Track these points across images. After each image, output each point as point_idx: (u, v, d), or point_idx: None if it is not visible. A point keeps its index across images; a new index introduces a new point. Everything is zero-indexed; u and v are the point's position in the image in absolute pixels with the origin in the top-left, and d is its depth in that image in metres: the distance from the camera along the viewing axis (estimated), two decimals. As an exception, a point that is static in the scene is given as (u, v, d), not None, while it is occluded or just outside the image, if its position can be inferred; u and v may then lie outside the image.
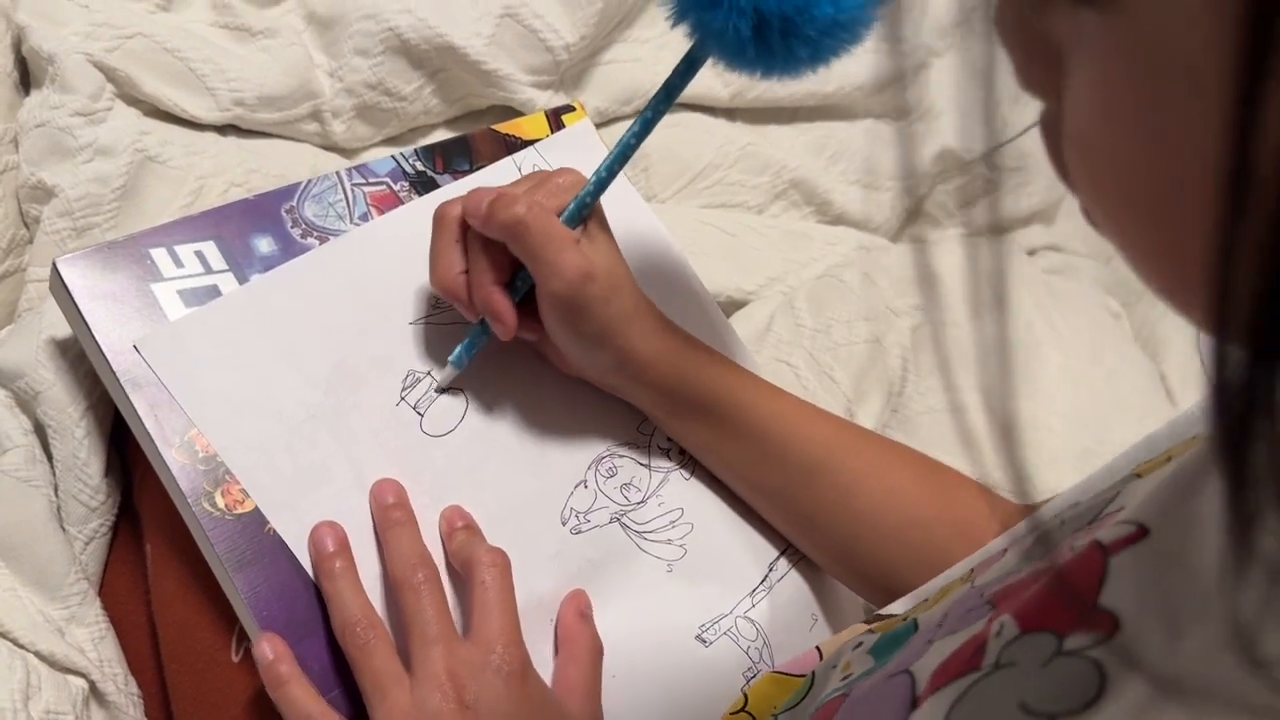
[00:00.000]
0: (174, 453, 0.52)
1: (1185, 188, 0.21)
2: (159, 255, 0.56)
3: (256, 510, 0.52)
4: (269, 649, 0.49)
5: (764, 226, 0.88)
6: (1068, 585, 0.30)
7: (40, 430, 0.56)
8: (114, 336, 0.53)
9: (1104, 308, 0.94)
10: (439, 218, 0.56)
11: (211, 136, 0.73)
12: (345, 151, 0.80)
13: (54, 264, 0.53)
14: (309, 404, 0.55)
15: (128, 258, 0.55)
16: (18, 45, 0.70)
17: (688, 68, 0.56)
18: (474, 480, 0.57)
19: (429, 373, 0.59)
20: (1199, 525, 0.27)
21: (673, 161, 0.88)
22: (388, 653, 0.49)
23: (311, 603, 0.52)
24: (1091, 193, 0.25)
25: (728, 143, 0.89)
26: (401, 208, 0.63)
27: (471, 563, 0.52)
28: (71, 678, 0.54)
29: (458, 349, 0.58)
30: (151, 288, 0.54)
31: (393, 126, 0.81)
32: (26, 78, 0.71)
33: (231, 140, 0.74)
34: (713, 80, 0.89)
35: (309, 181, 0.61)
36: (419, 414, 0.58)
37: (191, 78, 0.72)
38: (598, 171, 0.56)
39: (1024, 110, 0.87)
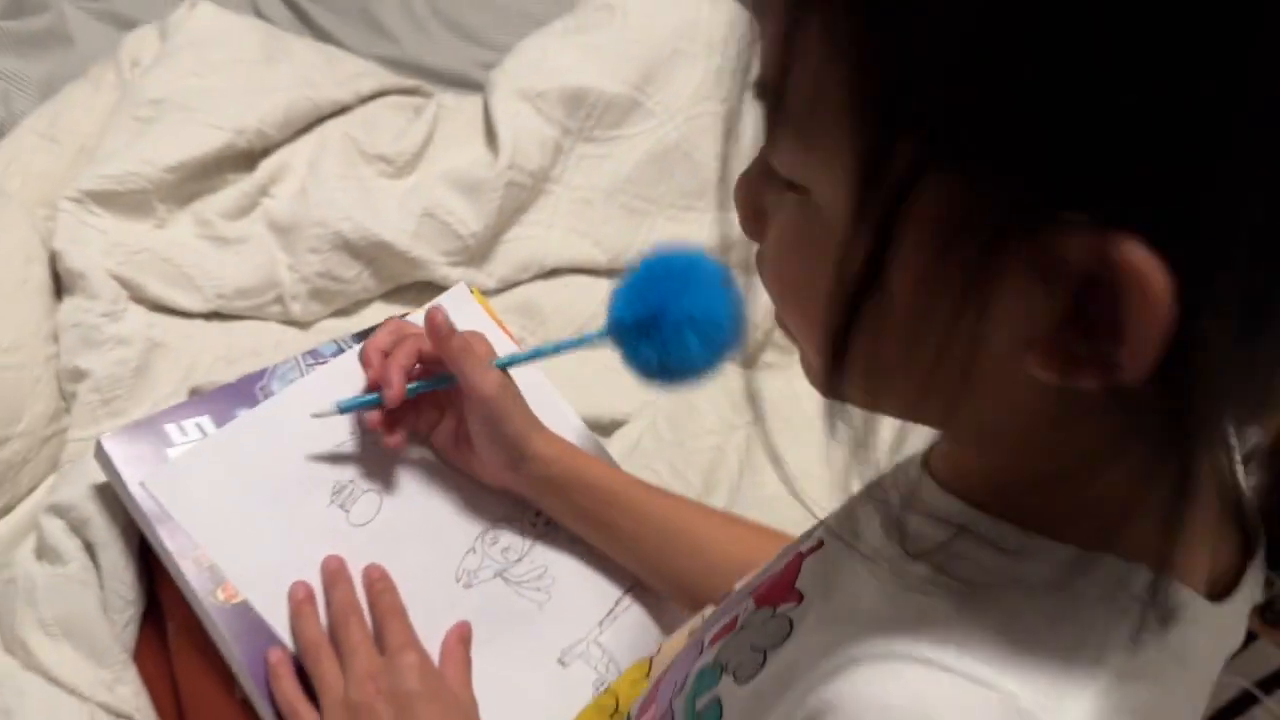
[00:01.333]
0: (188, 564, 0.73)
1: (818, 290, 0.36)
2: (170, 428, 0.77)
3: (245, 600, 0.73)
4: (275, 656, 0.71)
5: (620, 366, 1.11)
6: (783, 577, 0.51)
7: (89, 547, 0.77)
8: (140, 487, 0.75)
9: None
10: (390, 329, 0.80)
11: (200, 324, 0.96)
12: (302, 324, 1.03)
13: (98, 441, 0.75)
14: (270, 515, 0.76)
15: (148, 432, 0.77)
16: (52, 262, 0.93)
17: (599, 338, 0.75)
18: (391, 553, 0.77)
19: (350, 480, 0.80)
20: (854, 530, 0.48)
21: (564, 313, 1.11)
22: (333, 664, 0.70)
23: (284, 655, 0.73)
24: (776, 296, 0.42)
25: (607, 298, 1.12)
26: (322, 368, 0.84)
27: (381, 611, 0.73)
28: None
29: (348, 400, 0.78)
30: (166, 451, 0.77)
31: (339, 302, 1.04)
32: (58, 286, 0.94)
33: (215, 324, 0.97)
34: (593, 249, 1.13)
35: (274, 366, 0.83)
36: (345, 510, 0.79)
37: (183, 279, 0.96)
38: (537, 349, 0.80)
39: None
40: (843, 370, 0.37)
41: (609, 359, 1.14)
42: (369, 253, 1.02)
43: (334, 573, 0.75)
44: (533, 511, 0.85)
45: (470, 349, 0.77)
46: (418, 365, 0.80)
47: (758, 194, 0.41)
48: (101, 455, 0.75)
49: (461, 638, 0.76)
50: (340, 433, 0.81)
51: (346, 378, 0.81)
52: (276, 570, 0.75)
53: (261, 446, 0.79)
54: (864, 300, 0.35)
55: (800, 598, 0.48)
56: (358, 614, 0.73)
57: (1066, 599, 0.38)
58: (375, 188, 1.07)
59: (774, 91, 0.36)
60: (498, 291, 1.12)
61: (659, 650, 0.73)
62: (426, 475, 0.84)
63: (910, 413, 0.40)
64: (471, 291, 0.97)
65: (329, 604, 0.74)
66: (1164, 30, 0.28)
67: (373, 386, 0.79)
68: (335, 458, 0.81)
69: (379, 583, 0.75)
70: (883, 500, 0.45)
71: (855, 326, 0.35)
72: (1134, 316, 0.31)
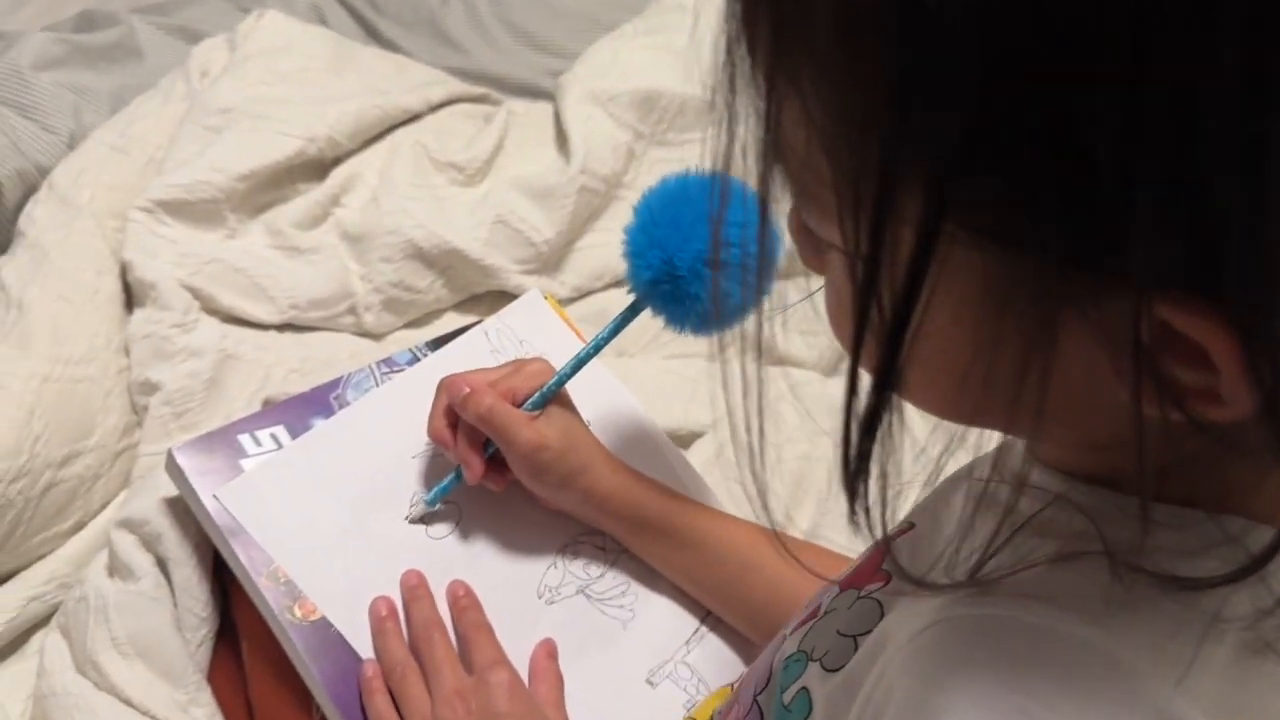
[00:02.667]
0: (263, 580, 0.70)
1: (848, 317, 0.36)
2: (244, 439, 0.75)
3: (324, 617, 0.70)
4: (370, 670, 0.69)
5: (716, 371, 1.08)
6: (869, 561, 0.48)
7: (162, 564, 0.74)
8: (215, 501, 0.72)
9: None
10: (441, 386, 0.75)
11: (273, 335, 0.94)
12: (375, 336, 1.00)
13: (169, 452, 0.73)
14: (345, 526, 0.73)
15: (222, 443, 0.74)
16: (123, 273, 0.92)
17: (632, 313, 0.75)
18: (471, 568, 0.74)
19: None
20: (941, 518, 0.46)
21: (636, 324, 1.08)
22: (419, 683, 0.67)
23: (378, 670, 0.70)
24: (833, 324, 0.41)
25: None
26: (399, 376, 0.82)
27: (466, 626, 0.70)
28: None
29: (433, 491, 0.75)
30: (240, 462, 0.74)
31: (412, 313, 1.02)
32: (129, 297, 0.92)
33: (289, 335, 0.95)
34: (668, 256, 1.10)
35: (349, 375, 0.81)
36: (425, 524, 0.76)
37: (256, 290, 0.94)
38: (561, 371, 0.75)
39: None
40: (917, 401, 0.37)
41: (685, 370, 1.12)
42: (442, 261, 1.00)
43: (414, 588, 0.72)
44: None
45: (495, 416, 0.71)
46: None
47: (807, 233, 0.39)
48: (173, 467, 0.73)
49: (550, 654, 0.73)
50: (417, 443, 0.79)
51: (422, 387, 0.78)
52: (355, 586, 0.72)
53: (337, 458, 0.76)
54: (903, 362, 0.33)
55: (888, 578, 0.45)
56: (442, 630, 0.70)
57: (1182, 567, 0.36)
58: (447, 196, 1.04)
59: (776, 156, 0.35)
60: (571, 300, 1.09)
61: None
62: (506, 492, 0.80)
63: (1005, 429, 0.40)
64: (545, 298, 0.94)
65: (410, 621, 0.71)
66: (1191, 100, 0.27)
67: (453, 458, 0.75)
68: (413, 464, 0.78)
69: (463, 599, 0.72)
70: (977, 479, 0.43)
71: (905, 385, 0.34)
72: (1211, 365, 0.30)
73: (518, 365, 0.76)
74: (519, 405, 0.73)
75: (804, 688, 0.46)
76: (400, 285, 0.99)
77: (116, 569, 0.76)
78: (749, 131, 0.34)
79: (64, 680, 0.72)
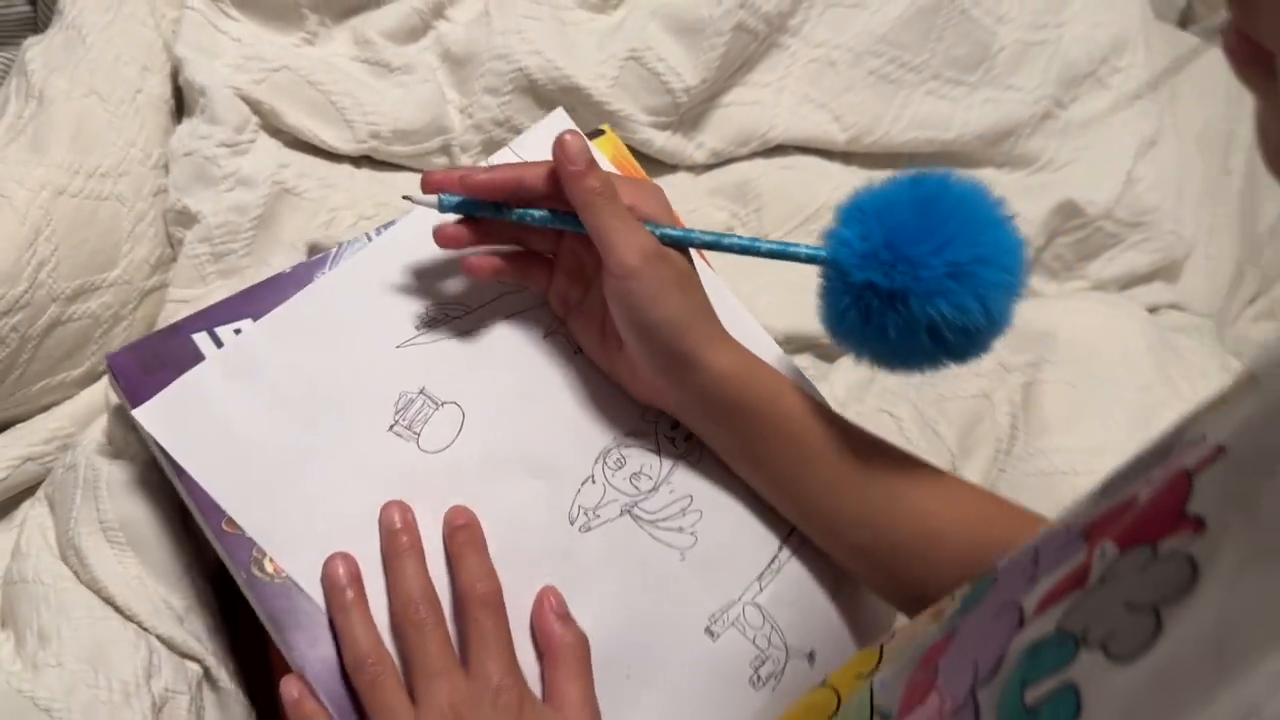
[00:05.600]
0: (224, 525, 0.53)
1: None
2: (200, 339, 0.56)
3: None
4: (293, 689, 0.51)
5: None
6: (1159, 501, 0.33)
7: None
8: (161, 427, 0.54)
9: (1225, 368, 0.92)
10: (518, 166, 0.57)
11: (346, 169, 0.77)
12: (470, 183, 0.83)
13: (106, 358, 0.55)
14: (302, 447, 0.55)
15: (172, 345, 0.56)
16: (175, 75, 0.75)
17: (809, 260, 0.56)
18: (477, 491, 0.57)
19: (420, 390, 0.58)
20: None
21: (786, 202, 0.89)
22: (395, 687, 0.50)
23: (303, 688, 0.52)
24: (1271, 153, 0.30)
25: (842, 186, 0.89)
26: (374, 242, 0.61)
27: (466, 597, 0.53)
28: (188, 662, 0.58)
29: (449, 197, 0.57)
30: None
31: (516, 161, 0.84)
32: (180, 105, 0.76)
33: (365, 172, 0.77)
34: (830, 124, 0.90)
35: (341, 245, 0.61)
36: (415, 433, 0.57)
37: (332, 110, 0.76)
38: (695, 231, 0.56)
39: (1150, 165, 0.86)
40: None
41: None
42: (556, 100, 0.81)
43: (396, 534, 0.54)
44: (668, 422, 0.62)
45: (614, 195, 0.54)
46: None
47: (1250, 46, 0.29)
48: (112, 378, 0.56)
49: (561, 616, 0.55)
50: (406, 322, 0.60)
51: (407, 251, 0.60)
52: (318, 530, 0.54)
53: (292, 354, 0.57)
54: None
55: (1199, 524, 0.31)
56: (430, 605, 0.52)
57: None
58: (573, 21, 0.85)
59: None
60: (706, 168, 0.90)
61: (892, 635, 0.52)
62: (524, 374, 0.61)
63: None
64: (604, 131, 0.71)
65: (391, 587, 0.53)
66: None
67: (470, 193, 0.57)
68: (396, 361, 0.59)
69: (462, 532, 0.54)
70: None
71: None
72: None
73: (636, 180, 0.57)
74: None
75: (1069, 683, 0.32)
76: (505, 125, 0.81)
77: (115, 437, 0.61)
78: None
79: (37, 566, 0.58)
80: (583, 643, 0.54)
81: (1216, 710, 0.26)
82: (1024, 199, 0.92)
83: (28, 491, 0.66)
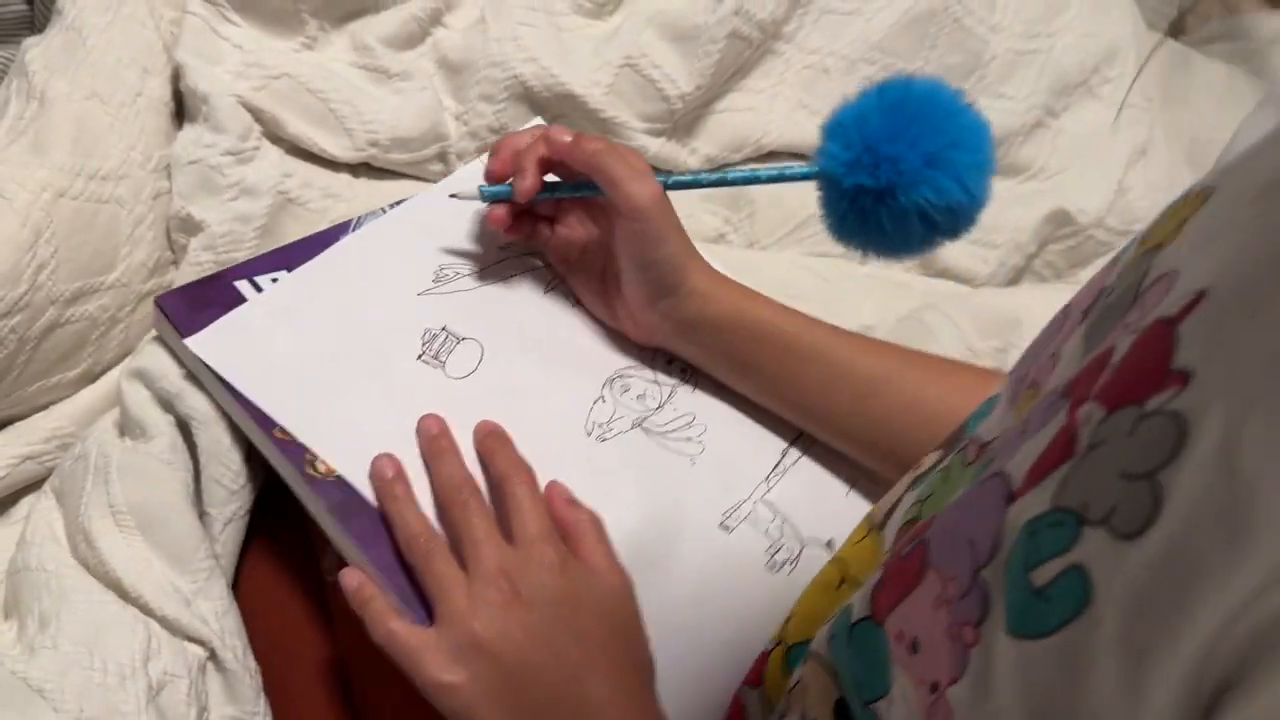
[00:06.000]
0: (275, 433, 0.58)
1: None
2: (242, 285, 0.64)
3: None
4: (353, 578, 0.55)
5: (862, 275, 0.89)
6: (1142, 355, 0.32)
7: (183, 425, 0.61)
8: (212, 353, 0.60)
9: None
10: (537, 132, 0.66)
11: (346, 179, 0.78)
12: (466, 188, 0.84)
13: (155, 301, 0.61)
14: (342, 371, 0.62)
15: (217, 289, 0.63)
16: (174, 78, 0.76)
17: (804, 177, 0.63)
18: (499, 410, 0.62)
19: (443, 327, 0.65)
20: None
21: (778, 208, 0.91)
22: (448, 559, 0.54)
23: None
24: None
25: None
26: (391, 213, 0.71)
27: (502, 478, 0.57)
28: (191, 645, 0.59)
29: (488, 187, 0.66)
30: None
31: (512, 166, 0.85)
32: (181, 108, 0.76)
33: (364, 181, 0.78)
34: (824, 132, 0.91)
35: (361, 217, 0.70)
36: (440, 362, 0.64)
37: (331, 119, 0.77)
38: (695, 173, 0.62)
39: (1141, 174, 0.87)
40: None
41: (825, 271, 0.94)
42: (552, 108, 0.82)
43: (435, 439, 0.59)
44: (664, 358, 0.70)
45: (619, 152, 0.64)
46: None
47: None
48: (160, 319, 0.62)
49: (569, 500, 0.59)
50: (424, 275, 0.68)
51: (428, 215, 0.69)
52: (365, 440, 0.60)
53: (330, 295, 0.65)
54: None
55: (1185, 379, 0.29)
56: (474, 490, 0.57)
57: None
58: (568, 27, 0.86)
59: None
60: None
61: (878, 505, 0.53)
62: (531, 318, 0.69)
63: None
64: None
65: (435, 479, 0.58)
66: None
67: (502, 176, 0.66)
68: (419, 305, 0.67)
69: (491, 438, 0.60)
70: None
71: None
72: None
73: (621, 146, 0.65)
74: None
75: (1075, 565, 0.30)
76: (501, 132, 0.81)
77: (127, 427, 0.63)
78: None
79: (40, 554, 0.59)
80: (596, 519, 0.58)
81: (1240, 580, 0.25)
82: (1016, 207, 0.93)
83: (25, 491, 0.67)
